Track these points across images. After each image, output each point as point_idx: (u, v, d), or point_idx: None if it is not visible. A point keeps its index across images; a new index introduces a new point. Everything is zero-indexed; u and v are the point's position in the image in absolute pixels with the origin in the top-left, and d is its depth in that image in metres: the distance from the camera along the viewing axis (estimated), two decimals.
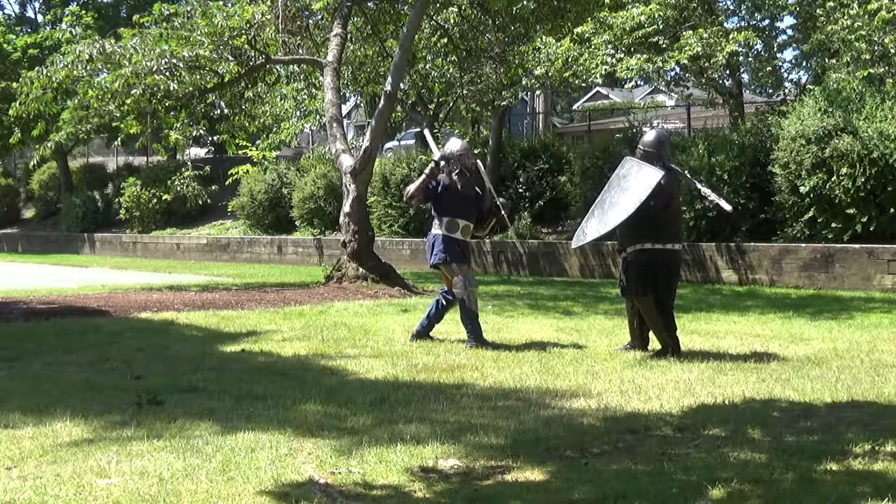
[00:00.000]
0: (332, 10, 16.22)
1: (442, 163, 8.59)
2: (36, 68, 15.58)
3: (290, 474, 4.31)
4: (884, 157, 13.27)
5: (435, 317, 8.68)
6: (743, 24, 18.54)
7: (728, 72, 18.67)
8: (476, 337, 8.30)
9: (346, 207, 14.64)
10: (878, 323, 9.81)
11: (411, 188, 8.60)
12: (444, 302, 8.59)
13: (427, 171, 8.53)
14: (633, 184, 7.57)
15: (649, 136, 8.01)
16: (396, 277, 14.45)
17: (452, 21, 17.94)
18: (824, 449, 4.59)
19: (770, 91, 21.10)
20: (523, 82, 19.34)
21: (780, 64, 19.02)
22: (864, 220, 13.56)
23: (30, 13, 36.52)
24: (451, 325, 9.91)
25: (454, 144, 8.70)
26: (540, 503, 3.93)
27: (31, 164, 26.94)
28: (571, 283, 15.88)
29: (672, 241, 7.73)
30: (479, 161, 8.97)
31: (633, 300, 7.80)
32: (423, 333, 8.69)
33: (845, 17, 15.33)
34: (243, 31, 15.55)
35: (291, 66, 17.86)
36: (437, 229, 8.49)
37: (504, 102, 20.18)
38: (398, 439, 4.86)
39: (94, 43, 15.27)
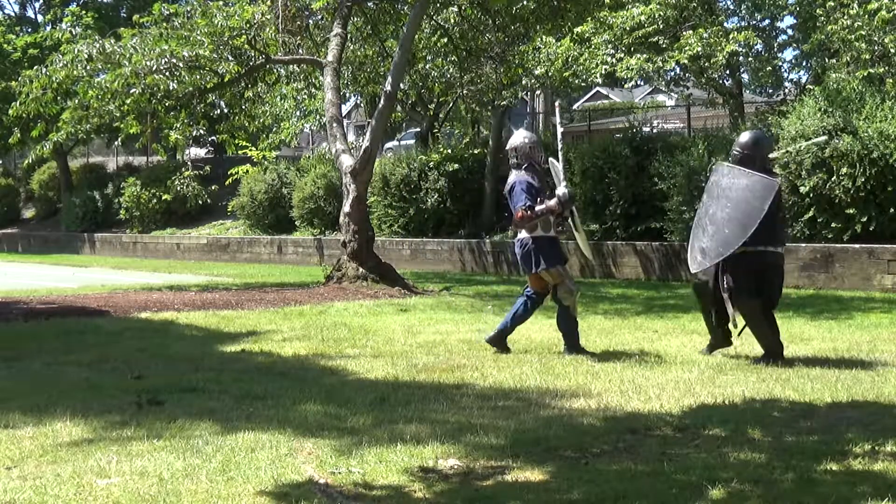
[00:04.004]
0: (332, 10, 16.22)
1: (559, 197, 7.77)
2: (35, 67, 15.58)
3: (290, 474, 4.31)
4: (884, 157, 13.27)
5: (520, 319, 8.09)
6: (743, 24, 18.56)
7: (728, 72, 18.67)
8: (575, 345, 7.83)
9: (346, 207, 14.64)
10: (878, 323, 9.81)
11: (528, 213, 7.76)
12: (531, 303, 8.05)
13: (548, 206, 7.74)
14: (746, 195, 7.20)
15: (745, 137, 7.63)
16: (396, 277, 14.45)
17: (452, 21, 17.93)
18: (824, 449, 4.59)
19: (770, 91, 21.10)
20: (523, 82, 19.33)
21: (780, 64, 19.04)
22: (864, 220, 13.55)
23: (30, 13, 36.52)
24: (451, 325, 9.92)
25: (518, 137, 8.04)
26: (540, 503, 3.93)
27: (26, 162, 26.92)
28: None
29: (781, 244, 7.55)
30: (551, 158, 8.28)
31: (737, 305, 7.37)
32: (502, 338, 8.03)
33: (845, 17, 15.35)
34: (243, 31, 15.57)
35: (291, 66, 17.86)
36: (533, 230, 7.90)
37: (504, 102, 20.17)
38: (398, 439, 4.85)
39: (94, 43, 15.28)
